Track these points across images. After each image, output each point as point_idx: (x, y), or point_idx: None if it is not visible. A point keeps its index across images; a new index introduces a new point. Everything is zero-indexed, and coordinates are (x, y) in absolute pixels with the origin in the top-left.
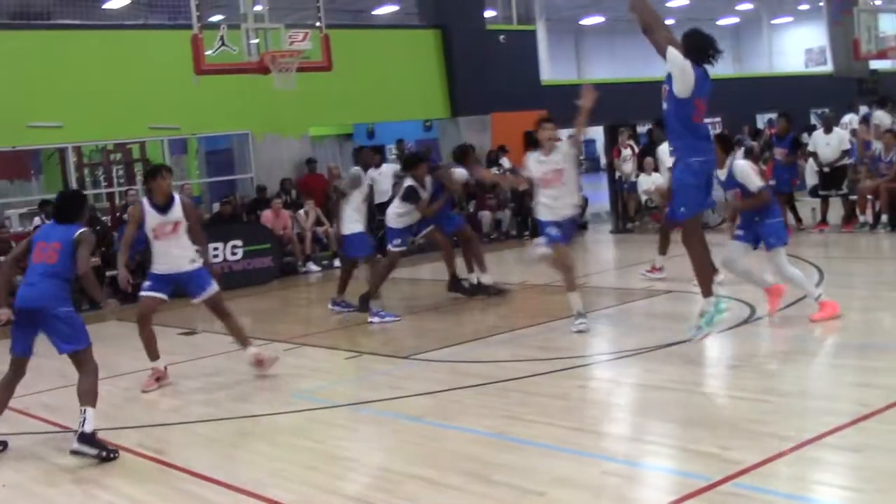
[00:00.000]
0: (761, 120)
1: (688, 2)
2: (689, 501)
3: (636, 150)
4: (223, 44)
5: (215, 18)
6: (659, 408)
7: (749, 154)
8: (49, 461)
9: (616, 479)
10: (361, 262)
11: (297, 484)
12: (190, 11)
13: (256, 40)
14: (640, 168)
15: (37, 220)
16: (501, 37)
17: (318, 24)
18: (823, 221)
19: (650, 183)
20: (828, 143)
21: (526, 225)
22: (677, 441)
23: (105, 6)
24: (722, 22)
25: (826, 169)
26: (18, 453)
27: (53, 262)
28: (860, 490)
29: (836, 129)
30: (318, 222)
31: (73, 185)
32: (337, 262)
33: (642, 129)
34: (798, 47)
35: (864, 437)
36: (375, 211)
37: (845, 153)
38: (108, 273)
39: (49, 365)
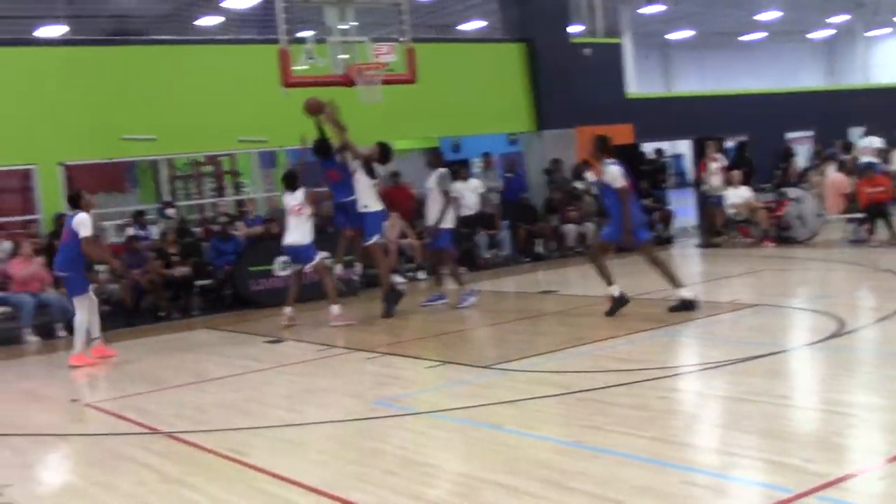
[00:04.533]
0: (855, 133)
1: (779, 15)
2: None
3: (724, 163)
4: (310, 57)
5: (304, 34)
6: (743, 419)
7: (842, 167)
8: (137, 461)
9: (697, 489)
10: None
11: (377, 487)
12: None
13: (346, 56)
14: (728, 182)
15: (130, 231)
16: (587, 50)
17: (402, 37)
18: None
19: (737, 197)
20: None
21: None
22: (761, 453)
23: (197, 23)
24: (814, 35)
25: None
26: (110, 453)
27: None
28: None
29: None
30: (403, 234)
31: (166, 196)
32: (421, 275)
33: (730, 142)
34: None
35: None
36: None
37: None
38: (197, 282)
39: (140, 369)
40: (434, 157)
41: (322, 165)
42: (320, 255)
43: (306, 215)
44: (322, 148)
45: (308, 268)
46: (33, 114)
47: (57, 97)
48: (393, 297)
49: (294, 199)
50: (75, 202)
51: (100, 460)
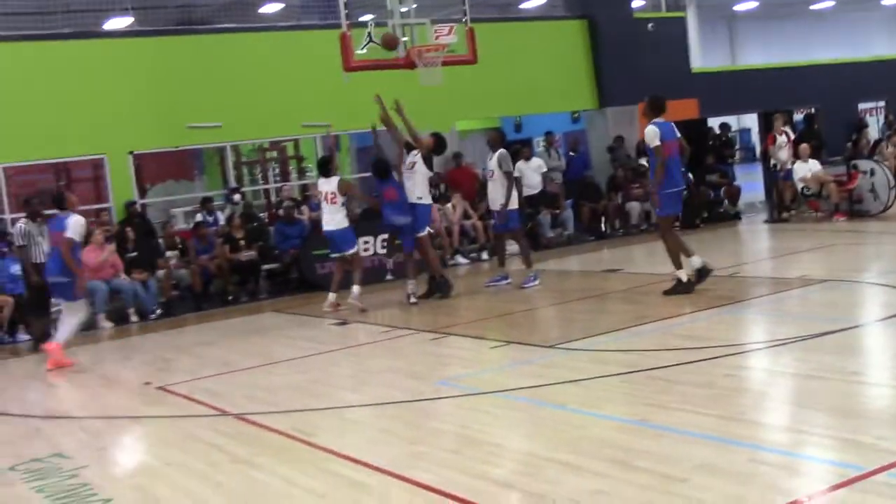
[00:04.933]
0: None
1: None
2: (841, 491)
3: (792, 136)
4: (371, 40)
5: (365, 18)
6: (811, 396)
7: None
8: (208, 442)
9: (765, 467)
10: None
11: (441, 467)
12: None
13: (405, 38)
14: (796, 155)
15: (198, 217)
16: (650, 24)
17: (463, 18)
18: None
19: (806, 170)
20: None
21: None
22: (830, 430)
23: (261, 10)
24: (887, 1)
25: None
26: (182, 435)
27: None
28: None
29: None
30: (466, 215)
31: (232, 182)
32: (485, 255)
33: (798, 115)
34: None
35: None
36: (525, 203)
37: None
38: (263, 266)
39: (210, 353)
40: (495, 138)
41: (379, 185)
42: (356, 245)
43: (339, 203)
44: (380, 168)
45: (349, 254)
46: (103, 104)
47: (125, 87)
48: (444, 286)
49: (328, 186)
50: (60, 203)
51: (172, 442)
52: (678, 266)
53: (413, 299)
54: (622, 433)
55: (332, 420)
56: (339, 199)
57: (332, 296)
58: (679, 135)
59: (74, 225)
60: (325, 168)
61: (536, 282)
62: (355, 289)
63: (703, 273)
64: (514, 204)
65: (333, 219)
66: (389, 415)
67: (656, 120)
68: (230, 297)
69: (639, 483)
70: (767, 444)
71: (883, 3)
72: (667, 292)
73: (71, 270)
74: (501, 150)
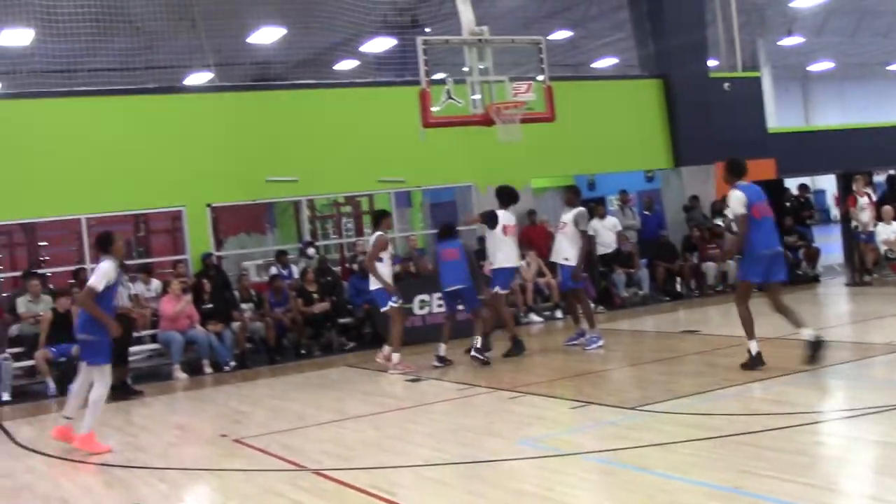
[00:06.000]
0: None
1: None
2: None
3: (873, 198)
4: (449, 97)
5: (441, 75)
6: None
7: None
8: (287, 497)
9: None
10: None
11: None
12: (415, 69)
13: (479, 96)
14: (878, 217)
15: (273, 270)
16: (726, 84)
17: (541, 76)
18: None
19: (890, 232)
20: None
21: None
22: None
23: (336, 67)
24: None
25: None
26: (261, 489)
27: None
28: None
29: None
30: (540, 273)
31: (307, 236)
32: (559, 314)
33: (878, 177)
34: None
35: None
36: (598, 262)
37: None
38: (340, 320)
39: (284, 406)
40: (571, 196)
41: (440, 245)
42: (392, 302)
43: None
44: (446, 229)
45: (383, 309)
46: (182, 158)
47: (204, 141)
48: (518, 347)
49: (370, 241)
50: (105, 245)
51: (251, 495)
52: (749, 336)
53: (435, 363)
54: (713, 500)
55: (413, 478)
56: (374, 254)
57: (386, 348)
58: (765, 196)
59: (98, 272)
60: (374, 221)
61: (602, 342)
62: (386, 348)
63: (816, 346)
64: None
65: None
66: (471, 474)
67: (739, 183)
68: (303, 351)
69: None
70: None
71: None
72: (743, 366)
73: (97, 328)
74: (580, 209)
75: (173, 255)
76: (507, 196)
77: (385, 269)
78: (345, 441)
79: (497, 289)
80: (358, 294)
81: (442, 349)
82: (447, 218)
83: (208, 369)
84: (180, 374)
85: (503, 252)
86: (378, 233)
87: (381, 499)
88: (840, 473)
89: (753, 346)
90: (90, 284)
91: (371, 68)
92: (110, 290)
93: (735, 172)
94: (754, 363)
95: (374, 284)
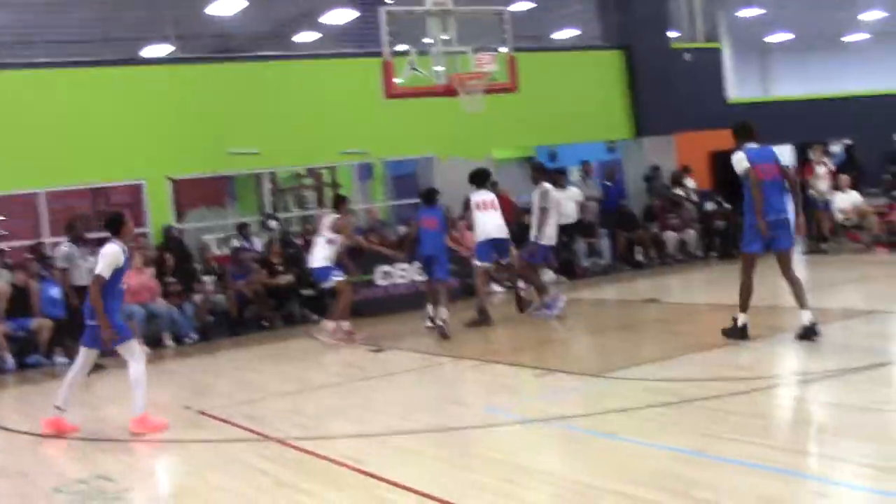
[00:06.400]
0: None
1: (884, 16)
2: None
3: (831, 167)
4: (413, 68)
5: (403, 46)
6: (861, 428)
7: None
8: (252, 466)
9: (824, 500)
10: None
11: (494, 495)
12: (377, 41)
13: (442, 67)
14: (836, 186)
15: (235, 243)
16: (687, 55)
17: (503, 47)
18: None
19: (847, 201)
20: None
21: (712, 245)
22: (881, 461)
23: (295, 39)
24: None
25: None
26: (225, 459)
27: None
28: None
29: None
30: None
31: (268, 209)
32: (521, 284)
33: (835, 146)
34: None
35: None
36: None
37: None
38: (303, 291)
39: (247, 378)
40: (537, 173)
41: (422, 212)
42: (334, 276)
43: (325, 238)
44: (429, 194)
45: (326, 285)
46: (141, 130)
47: (163, 114)
48: (483, 317)
49: (327, 221)
50: (115, 227)
51: (216, 465)
52: (742, 308)
53: (438, 322)
54: (679, 463)
55: (380, 447)
56: (327, 235)
57: (344, 324)
58: (781, 160)
59: (103, 257)
60: (335, 203)
61: (549, 311)
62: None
63: (807, 332)
64: (544, 239)
65: (315, 252)
66: (438, 442)
67: (747, 145)
68: (266, 323)
69: None
70: (818, 474)
71: None
72: (724, 332)
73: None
74: (542, 185)
75: (134, 229)
76: (477, 177)
77: (331, 251)
78: (308, 411)
79: (475, 262)
80: None
81: (444, 313)
82: (422, 187)
83: (169, 342)
84: (142, 348)
85: (478, 227)
86: (336, 215)
87: (347, 466)
88: (799, 435)
89: (741, 318)
90: (97, 272)
91: (333, 40)
92: (118, 273)
93: (740, 135)
94: (735, 333)
95: (317, 262)
